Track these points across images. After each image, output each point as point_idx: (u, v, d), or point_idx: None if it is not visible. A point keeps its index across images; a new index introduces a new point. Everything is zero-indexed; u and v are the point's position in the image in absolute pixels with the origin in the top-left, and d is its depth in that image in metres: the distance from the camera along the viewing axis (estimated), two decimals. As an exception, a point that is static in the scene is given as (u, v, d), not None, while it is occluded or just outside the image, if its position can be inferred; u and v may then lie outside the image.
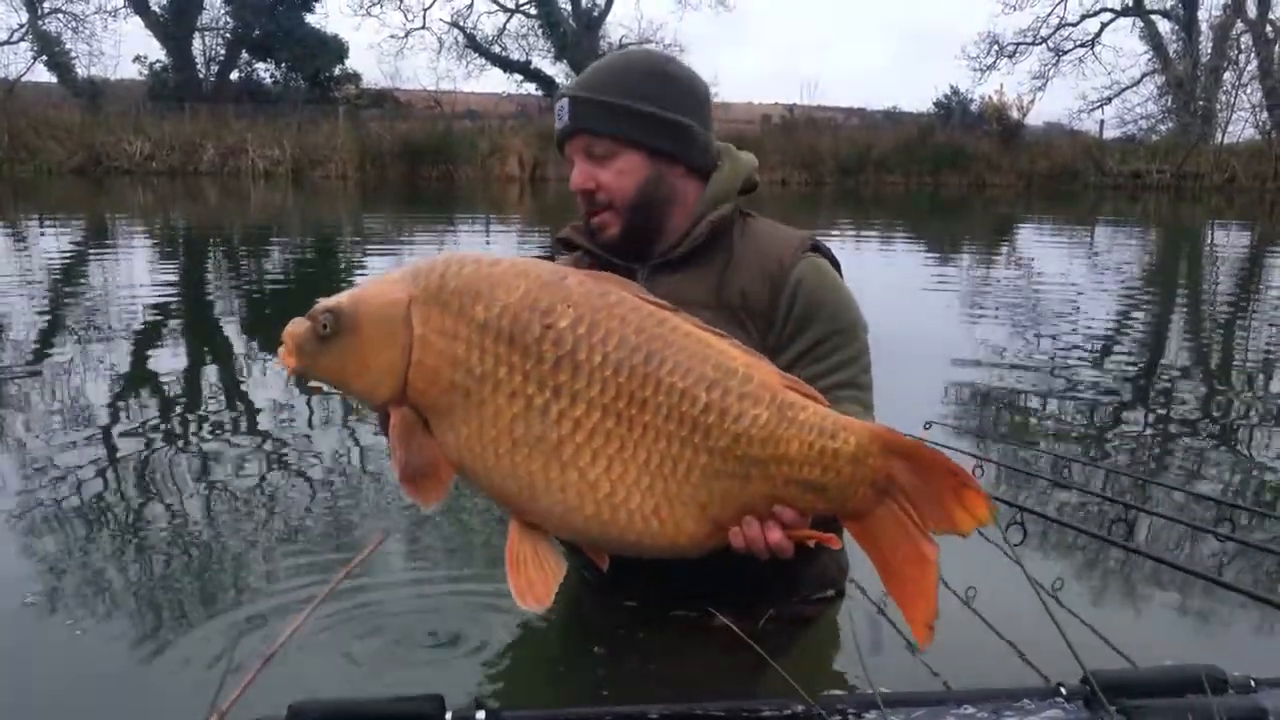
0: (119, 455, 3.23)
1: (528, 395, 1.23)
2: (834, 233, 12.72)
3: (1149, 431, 3.92)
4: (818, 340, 1.59)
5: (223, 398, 4.11)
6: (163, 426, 3.61)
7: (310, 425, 3.63)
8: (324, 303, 1.28)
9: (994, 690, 1.05)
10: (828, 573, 1.80)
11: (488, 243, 11.66)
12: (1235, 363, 5.59)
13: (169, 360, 4.90)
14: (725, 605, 1.50)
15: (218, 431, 3.55)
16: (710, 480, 1.25)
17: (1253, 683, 1.13)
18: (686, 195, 1.66)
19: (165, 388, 4.24)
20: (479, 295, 1.25)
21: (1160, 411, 4.26)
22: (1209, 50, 29.25)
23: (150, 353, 5.03)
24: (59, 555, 2.41)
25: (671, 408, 1.23)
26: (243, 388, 4.34)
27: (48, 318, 5.97)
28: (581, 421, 1.23)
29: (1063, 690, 1.02)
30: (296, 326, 1.28)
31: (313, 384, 1.31)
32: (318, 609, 0.93)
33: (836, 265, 1.71)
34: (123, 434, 3.48)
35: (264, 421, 3.70)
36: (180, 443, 3.42)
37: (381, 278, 1.34)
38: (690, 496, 1.25)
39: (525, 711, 0.96)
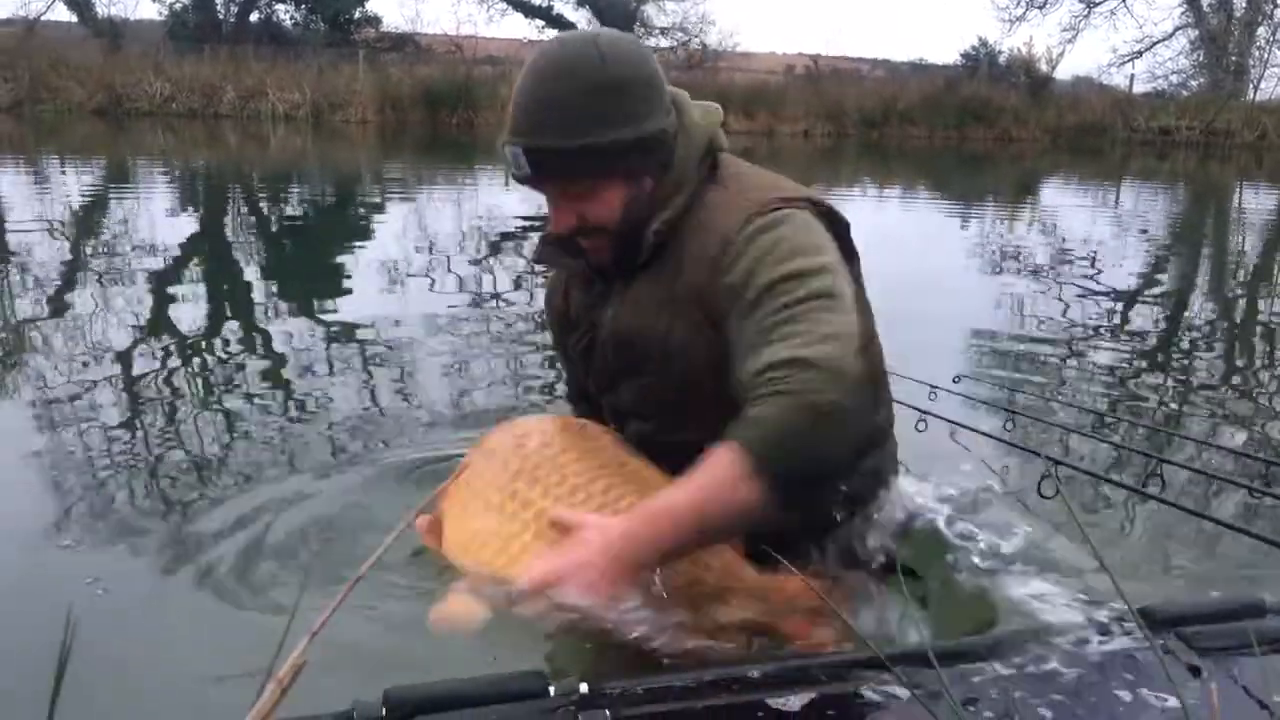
0: (141, 399, 3.27)
1: (489, 498, 1.51)
2: (855, 188, 12.62)
3: (1175, 385, 3.91)
4: (760, 293, 1.37)
5: (244, 343, 4.13)
6: (184, 370, 3.65)
7: (331, 371, 3.66)
8: None
9: (1063, 625, 1.07)
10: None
11: (507, 190, 11.61)
12: (1260, 320, 5.55)
13: (190, 307, 4.89)
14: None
15: (241, 376, 3.59)
16: None
17: (1290, 609, 1.15)
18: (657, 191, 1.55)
19: (186, 333, 4.25)
20: (502, 437, 1.64)
21: (1189, 366, 4.24)
22: (1243, 4, 28.61)
23: (170, 297, 5.05)
24: (96, 500, 2.42)
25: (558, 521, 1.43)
26: (264, 334, 4.36)
27: (69, 258, 6.01)
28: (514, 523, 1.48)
29: (1124, 622, 1.05)
30: None
31: None
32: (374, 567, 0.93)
33: (828, 216, 1.53)
34: (144, 377, 3.51)
35: (285, 367, 3.73)
36: (203, 387, 3.45)
37: None
38: None
39: (627, 682, 0.96)
